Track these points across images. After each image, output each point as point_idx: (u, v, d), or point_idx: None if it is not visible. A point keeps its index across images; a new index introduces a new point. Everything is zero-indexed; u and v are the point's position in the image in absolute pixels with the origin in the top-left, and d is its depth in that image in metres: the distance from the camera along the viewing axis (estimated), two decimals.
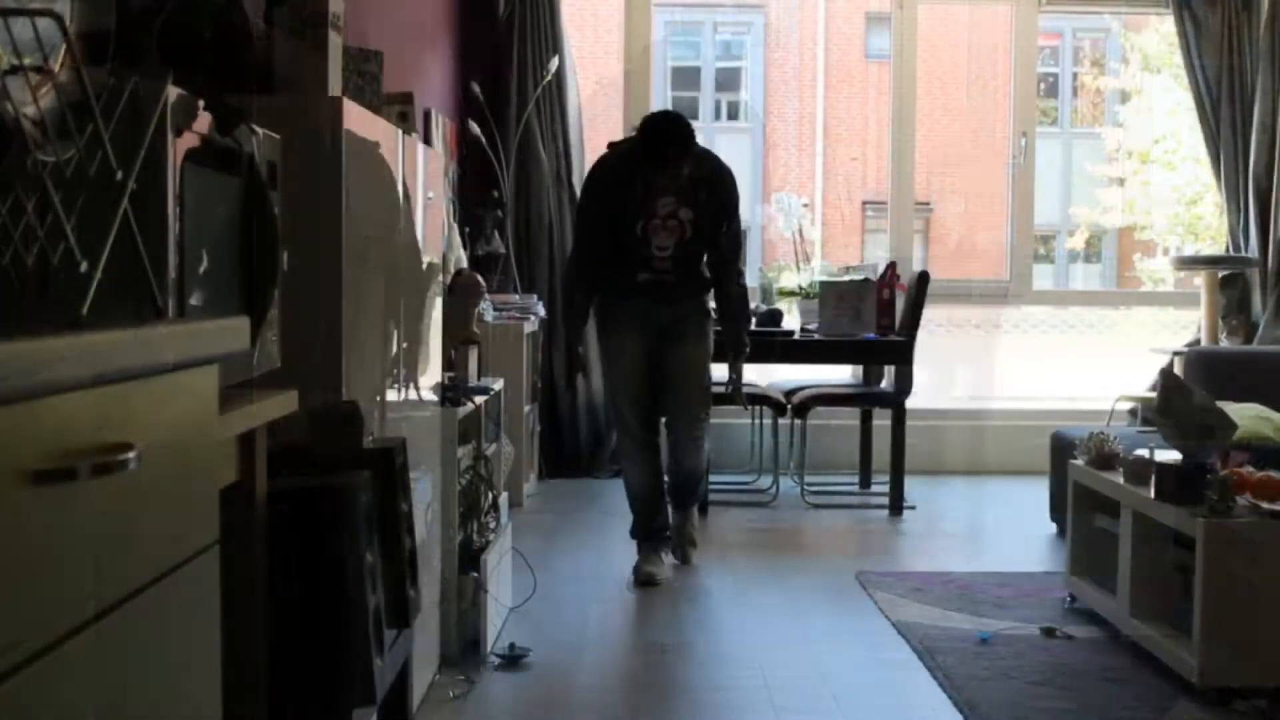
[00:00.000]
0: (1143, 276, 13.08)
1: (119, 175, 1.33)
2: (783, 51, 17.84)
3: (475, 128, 5.84)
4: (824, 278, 5.82)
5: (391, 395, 2.65)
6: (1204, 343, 6.10)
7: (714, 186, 4.25)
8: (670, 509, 4.46)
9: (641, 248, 4.19)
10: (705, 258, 4.31)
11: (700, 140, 4.24)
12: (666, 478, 4.47)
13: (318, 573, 1.94)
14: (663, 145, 4.10)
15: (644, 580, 4.19)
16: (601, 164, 4.38)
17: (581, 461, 6.19)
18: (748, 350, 4.48)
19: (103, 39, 1.36)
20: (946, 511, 5.64)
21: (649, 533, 4.35)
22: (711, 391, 4.43)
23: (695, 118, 15.35)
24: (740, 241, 4.41)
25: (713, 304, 4.43)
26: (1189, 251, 8.66)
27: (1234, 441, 3.43)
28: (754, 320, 5.53)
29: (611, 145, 4.47)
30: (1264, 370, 5.08)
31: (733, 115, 17.80)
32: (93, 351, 1.05)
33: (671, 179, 4.16)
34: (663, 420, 4.42)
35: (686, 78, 17.24)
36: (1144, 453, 3.45)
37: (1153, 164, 12.45)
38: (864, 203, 17.29)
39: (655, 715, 3.06)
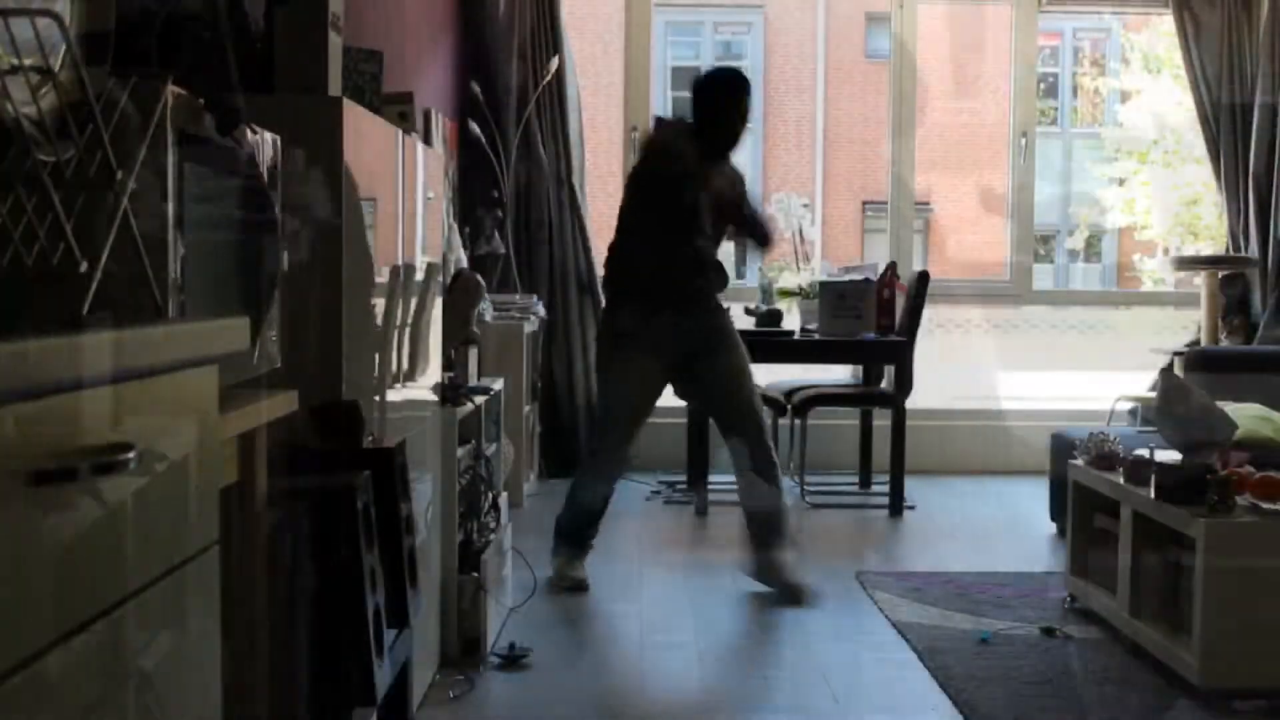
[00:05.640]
0: (1143, 276, 13.10)
1: (119, 175, 1.33)
2: (783, 51, 17.85)
3: (475, 128, 5.84)
4: (824, 278, 5.82)
5: (391, 395, 2.65)
6: (1204, 343, 6.09)
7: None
8: (762, 557, 4.11)
9: (691, 222, 4.06)
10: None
11: None
12: (751, 517, 4.18)
13: (317, 573, 1.94)
14: (729, 109, 4.10)
15: (572, 586, 4.03)
16: (663, 144, 4.21)
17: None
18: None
19: (103, 39, 1.36)
20: (946, 511, 5.63)
21: (580, 540, 4.20)
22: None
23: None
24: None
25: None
26: (1189, 251, 8.67)
27: (1234, 441, 3.43)
28: (754, 320, 5.56)
29: (660, 122, 4.42)
30: (1264, 370, 5.08)
31: None
32: (93, 351, 1.05)
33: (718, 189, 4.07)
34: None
35: (686, 78, 17.24)
36: (1144, 453, 3.45)
37: (1153, 164, 12.46)
38: (864, 203, 17.29)
39: (655, 715, 3.06)
